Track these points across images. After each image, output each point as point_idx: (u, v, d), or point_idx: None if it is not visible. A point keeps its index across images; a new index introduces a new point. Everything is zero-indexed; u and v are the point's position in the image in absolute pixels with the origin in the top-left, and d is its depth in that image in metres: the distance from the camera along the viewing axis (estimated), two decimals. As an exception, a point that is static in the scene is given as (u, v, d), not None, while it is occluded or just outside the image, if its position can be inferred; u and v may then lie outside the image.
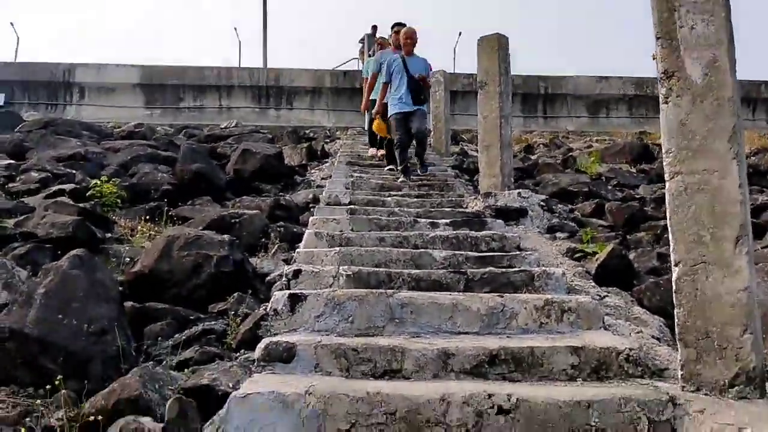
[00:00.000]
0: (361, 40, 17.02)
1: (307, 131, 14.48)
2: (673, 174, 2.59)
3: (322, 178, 7.99)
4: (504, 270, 4.01)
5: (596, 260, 4.61)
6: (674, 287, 2.57)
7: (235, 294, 3.72)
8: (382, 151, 9.04)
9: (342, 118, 16.46)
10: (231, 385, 2.60)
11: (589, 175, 9.09)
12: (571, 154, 11.27)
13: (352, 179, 7.19)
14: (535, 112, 16.35)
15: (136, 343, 3.35)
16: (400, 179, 7.37)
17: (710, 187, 2.50)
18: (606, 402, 2.41)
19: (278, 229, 5.22)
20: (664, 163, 2.64)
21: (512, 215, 5.88)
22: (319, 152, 10.86)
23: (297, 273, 3.80)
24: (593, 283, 4.29)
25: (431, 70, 8.54)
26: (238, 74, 16.48)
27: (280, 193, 7.60)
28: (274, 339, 2.93)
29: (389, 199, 6.28)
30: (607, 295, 4.13)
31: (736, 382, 2.40)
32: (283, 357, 2.82)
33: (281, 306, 3.30)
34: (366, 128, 11.41)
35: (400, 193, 6.73)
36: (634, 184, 8.78)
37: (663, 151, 2.64)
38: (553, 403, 2.40)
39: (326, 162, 9.87)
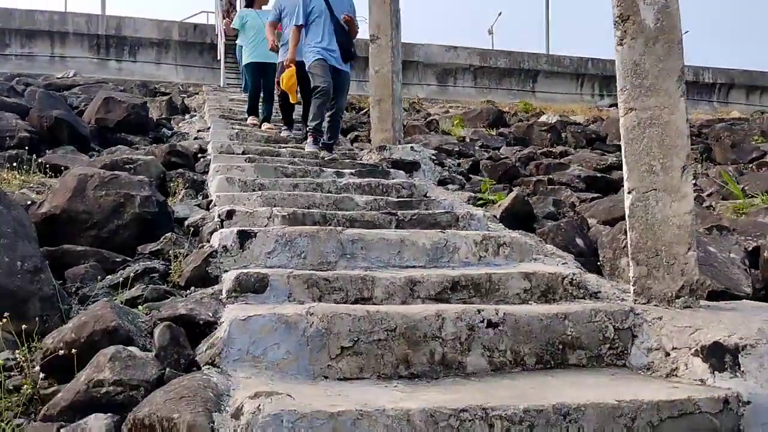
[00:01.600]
0: None
1: (156, 86, 13.62)
2: (627, 110, 2.84)
3: (199, 130, 7.63)
4: (430, 212, 4.14)
5: (499, 206, 4.91)
6: (628, 212, 2.84)
7: (168, 234, 3.50)
8: (267, 125, 7.73)
9: (191, 74, 15.70)
10: (210, 315, 2.48)
11: (455, 137, 9.54)
12: (431, 118, 11.71)
13: (235, 131, 6.94)
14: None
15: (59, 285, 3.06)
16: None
17: (661, 122, 2.78)
18: (579, 314, 2.62)
19: (177, 176, 4.94)
20: (619, 100, 2.88)
21: (407, 168, 6.03)
22: (178, 107, 10.33)
23: (231, 213, 3.65)
24: (502, 226, 4.57)
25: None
26: (73, 20, 15.04)
27: (154, 144, 7.16)
28: (244, 270, 2.82)
29: (284, 150, 6.17)
30: (506, 234, 4.42)
31: (682, 293, 2.72)
32: (256, 287, 2.73)
33: (230, 242, 3.17)
34: (243, 91, 10.44)
35: (290, 145, 6.62)
36: (495, 146, 9.36)
37: (618, 88, 2.88)
38: (535, 316, 2.57)
39: (192, 116, 9.40)
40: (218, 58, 14.84)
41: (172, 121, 8.99)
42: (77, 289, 3.06)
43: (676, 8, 2.80)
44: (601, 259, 4.32)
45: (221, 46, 14.63)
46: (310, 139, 6.26)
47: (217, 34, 15.37)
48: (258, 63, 7.98)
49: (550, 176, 6.91)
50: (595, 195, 6.06)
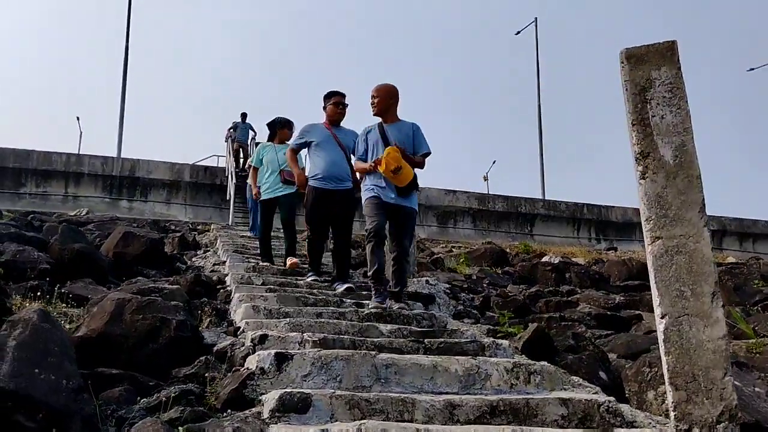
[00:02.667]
0: (231, 128, 17.08)
1: (165, 224, 13.96)
2: (654, 238, 3.01)
3: (215, 264, 7.78)
4: (456, 341, 4.19)
5: (520, 338, 4.95)
6: (662, 337, 2.91)
7: (203, 358, 3.53)
8: (292, 260, 7.13)
9: (199, 213, 16.13)
10: (258, 434, 2.48)
11: (462, 274, 9.70)
12: (436, 256, 11.96)
13: (251, 264, 7.08)
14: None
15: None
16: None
17: (688, 250, 2.93)
18: (624, 439, 2.62)
19: (202, 304, 5.02)
20: (645, 230, 3.05)
21: (423, 300, 6.12)
22: (190, 242, 10.57)
23: (263, 338, 3.70)
24: (524, 356, 4.59)
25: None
26: (89, 162, 15.68)
27: (167, 278, 7.26)
28: (287, 390, 2.84)
29: (300, 281, 6.28)
30: (535, 363, 4.44)
31: (722, 419, 2.74)
32: (299, 407, 2.74)
33: (267, 365, 3.20)
34: (250, 230, 11.19)
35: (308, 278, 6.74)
36: (502, 284, 9.50)
37: (643, 219, 3.06)
38: (581, 439, 2.57)
39: (204, 252, 9.60)
40: (227, 198, 15.34)
41: (185, 256, 9.17)
42: (113, 411, 3.04)
43: (692, 146, 3.05)
44: (627, 392, 4.30)
45: (231, 187, 15.19)
46: (372, 292, 5.24)
47: (227, 176, 16.01)
48: (270, 200, 7.61)
49: (561, 313, 6.99)
50: (609, 332, 6.11)
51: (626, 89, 3.20)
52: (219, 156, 18.74)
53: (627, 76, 3.20)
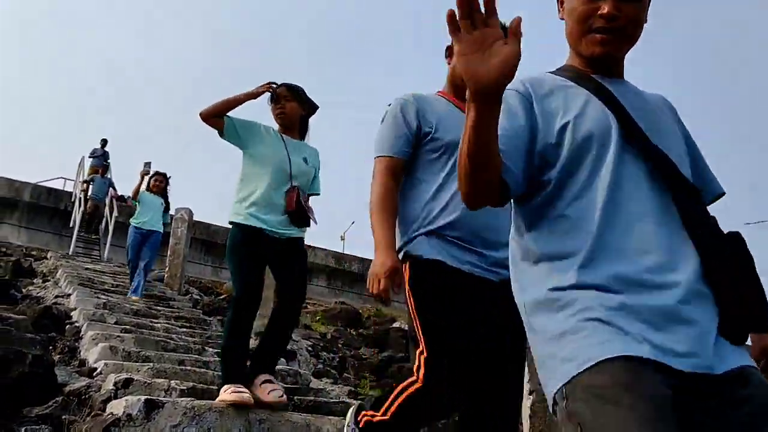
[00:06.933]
0: (93, 155, 15.89)
1: (-3, 246, 12.67)
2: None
3: (57, 296, 7.17)
4: (324, 400, 4.18)
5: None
6: (528, 413, 3.11)
7: (58, 399, 3.24)
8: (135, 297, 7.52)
9: (36, 238, 14.86)
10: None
11: (317, 332, 9.66)
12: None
13: (102, 301, 6.63)
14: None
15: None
16: None
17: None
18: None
19: (51, 339, 4.62)
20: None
21: (285, 356, 6.03)
22: (26, 269, 9.69)
23: (128, 382, 3.48)
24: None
25: None
26: None
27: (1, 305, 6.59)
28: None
29: (158, 324, 5.97)
30: None
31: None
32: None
33: (136, 411, 3.01)
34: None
35: (163, 320, 6.42)
36: (356, 346, 9.57)
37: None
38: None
39: (44, 281, 8.82)
40: (71, 224, 14.30)
41: (19, 284, 8.38)
42: (-52, 453, 2.71)
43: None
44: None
45: (78, 213, 14.20)
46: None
47: (73, 201, 14.95)
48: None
49: (414, 379, 7.17)
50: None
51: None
52: (67, 179, 17.53)
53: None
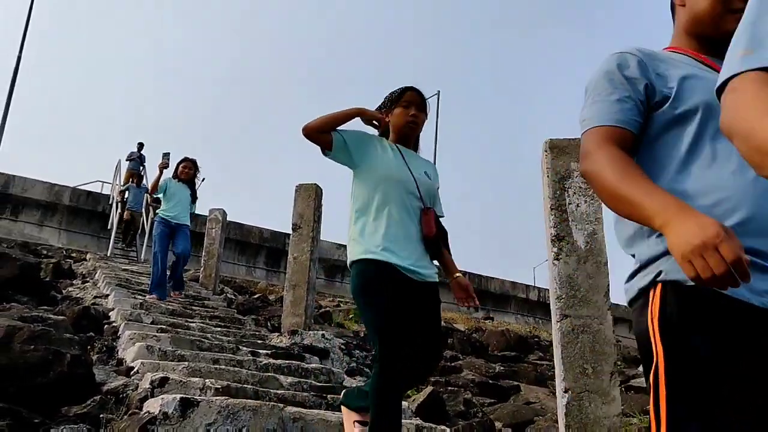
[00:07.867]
0: (130, 158, 16.09)
1: (36, 248, 13.00)
2: (563, 316, 3.21)
3: (95, 296, 7.33)
4: (357, 398, 4.19)
5: (414, 401, 5.03)
6: (564, 411, 3.08)
7: (96, 397, 3.31)
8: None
9: (75, 240, 15.19)
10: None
11: (350, 330, 9.72)
12: (324, 309, 11.89)
13: (139, 301, 6.76)
14: (278, 267, 16.97)
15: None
16: None
17: (592, 330, 3.16)
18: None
19: (89, 339, 4.72)
20: (554, 307, 3.26)
21: (318, 354, 6.08)
22: (65, 271, 9.93)
23: (164, 381, 3.54)
24: (419, 418, 4.66)
25: None
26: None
27: (41, 307, 6.77)
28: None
29: (193, 324, 6.06)
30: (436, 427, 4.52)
31: (613, 492, 2.90)
32: (209, 459, 2.64)
33: (171, 410, 3.06)
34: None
35: (198, 320, 6.51)
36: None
37: (553, 297, 3.27)
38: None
39: (83, 282, 9.03)
40: (109, 227, 14.59)
41: (59, 285, 8.59)
42: (-8, 450, 2.80)
43: (602, 235, 3.33)
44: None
45: (115, 216, 14.48)
46: None
47: (110, 204, 15.24)
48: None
49: (447, 378, 7.16)
50: (492, 400, 6.32)
51: (547, 176, 3.45)
52: (104, 182, 17.89)
53: (548, 165, 3.46)
